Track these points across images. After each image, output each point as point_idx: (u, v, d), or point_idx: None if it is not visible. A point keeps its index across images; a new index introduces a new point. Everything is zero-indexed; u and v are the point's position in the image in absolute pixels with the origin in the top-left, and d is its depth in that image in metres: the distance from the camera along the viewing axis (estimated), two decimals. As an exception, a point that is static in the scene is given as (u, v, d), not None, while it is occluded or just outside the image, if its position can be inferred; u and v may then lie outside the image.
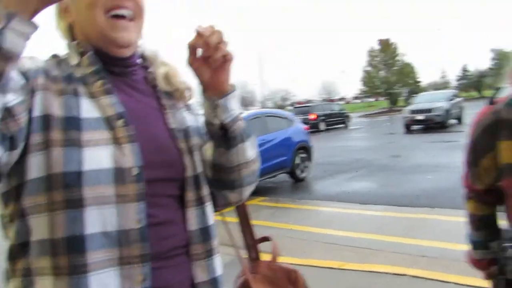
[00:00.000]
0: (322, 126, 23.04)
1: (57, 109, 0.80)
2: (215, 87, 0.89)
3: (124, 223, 0.80)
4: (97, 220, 0.78)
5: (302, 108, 24.72)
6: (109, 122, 0.84)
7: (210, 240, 0.94)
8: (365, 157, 11.12)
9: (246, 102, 66.36)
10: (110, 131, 0.83)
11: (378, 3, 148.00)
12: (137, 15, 0.91)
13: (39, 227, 0.78)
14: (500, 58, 59.09)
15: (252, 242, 1.31)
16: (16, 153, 0.75)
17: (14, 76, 0.69)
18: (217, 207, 1.03)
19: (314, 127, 21.47)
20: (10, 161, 0.74)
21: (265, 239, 1.33)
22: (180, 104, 1.01)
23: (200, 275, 0.92)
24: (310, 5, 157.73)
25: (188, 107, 1.03)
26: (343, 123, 25.36)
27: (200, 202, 0.94)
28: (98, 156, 0.80)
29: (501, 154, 1.27)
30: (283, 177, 8.65)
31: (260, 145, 7.67)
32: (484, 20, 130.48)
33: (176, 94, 1.00)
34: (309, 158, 8.88)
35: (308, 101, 46.90)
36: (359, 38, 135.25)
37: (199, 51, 0.85)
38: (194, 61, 0.86)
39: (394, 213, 5.71)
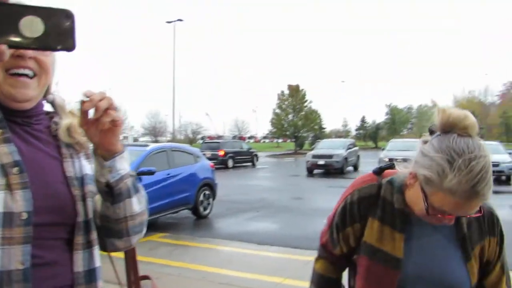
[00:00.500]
0: (230, 163, 23.30)
1: None
2: (104, 147, 0.93)
3: (8, 264, 0.85)
4: None
5: (212, 144, 24.88)
6: (4, 169, 0.89)
7: (96, 281, 1.01)
8: (268, 197, 11.44)
9: (156, 133, 65.00)
10: (3, 178, 0.88)
11: (291, 51, 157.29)
12: (39, 73, 0.97)
13: None
14: (393, 113, 65.80)
15: (135, 280, 1.36)
16: None
17: None
18: (106, 251, 1.09)
19: (222, 164, 21.69)
20: None
21: (145, 277, 1.39)
22: (80, 154, 1.07)
23: None
24: (235, 39, 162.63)
25: (88, 156, 1.09)
26: (251, 161, 25.93)
27: (88, 245, 1.00)
28: None
29: (366, 231, 1.24)
30: (185, 213, 8.53)
31: (164, 180, 7.56)
32: (383, 75, 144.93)
33: (76, 146, 1.06)
34: (213, 195, 8.90)
35: (219, 137, 47.39)
36: (272, 79, 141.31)
37: (90, 113, 0.90)
38: (84, 123, 0.89)
39: (289, 255, 5.91)
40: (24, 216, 0.88)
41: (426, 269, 1.17)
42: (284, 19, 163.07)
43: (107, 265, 1.14)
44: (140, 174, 6.94)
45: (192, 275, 5.02)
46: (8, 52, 0.71)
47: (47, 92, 1.07)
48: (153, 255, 5.83)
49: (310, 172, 18.70)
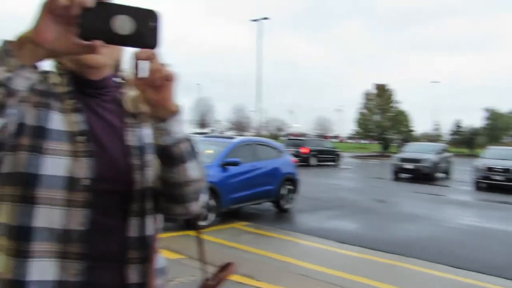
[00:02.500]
0: (313, 161, 23.27)
1: (30, 119, 0.94)
2: (159, 106, 0.91)
3: (69, 224, 0.92)
4: (45, 217, 0.92)
5: (295, 141, 25.01)
6: (71, 137, 0.96)
7: (147, 248, 1.03)
8: (349, 197, 11.34)
9: (241, 128, 66.79)
10: (70, 144, 0.95)
11: (378, 47, 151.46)
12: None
13: (3, 213, 0.94)
14: (493, 117, 60.19)
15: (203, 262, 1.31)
16: (1, 154, 0.91)
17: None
18: (166, 216, 1.11)
19: (304, 161, 21.70)
20: None
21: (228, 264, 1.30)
22: (143, 124, 1.08)
23: (133, 277, 1.01)
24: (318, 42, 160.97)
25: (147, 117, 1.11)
26: (334, 161, 25.61)
27: (142, 213, 1.03)
28: (55, 164, 0.93)
29: None
30: (267, 205, 8.80)
31: (249, 171, 7.88)
32: (479, 78, 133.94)
33: (141, 116, 1.08)
34: (295, 190, 9.06)
35: (302, 134, 47.31)
36: (359, 78, 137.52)
37: (144, 73, 0.89)
38: (138, 81, 0.88)
39: (368, 256, 5.88)
40: (85, 182, 0.94)
41: None
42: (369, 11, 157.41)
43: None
44: (226, 164, 7.33)
45: (272, 263, 5.24)
46: (99, 46, 0.75)
47: (118, 70, 1.12)
48: (237, 241, 6.16)
49: (396, 176, 18.02)
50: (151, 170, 1.04)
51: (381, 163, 28.38)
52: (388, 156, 32.20)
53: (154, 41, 0.78)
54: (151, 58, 0.85)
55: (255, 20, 34.82)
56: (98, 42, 0.75)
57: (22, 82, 0.77)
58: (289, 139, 28.04)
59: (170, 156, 0.95)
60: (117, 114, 1.07)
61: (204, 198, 1.08)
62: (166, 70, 0.87)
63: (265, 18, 34.48)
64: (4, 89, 0.75)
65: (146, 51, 0.84)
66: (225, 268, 1.26)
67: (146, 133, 1.07)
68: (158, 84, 0.88)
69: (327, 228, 7.49)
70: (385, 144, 46.28)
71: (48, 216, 0.92)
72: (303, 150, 22.71)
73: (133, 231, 1.01)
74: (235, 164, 7.38)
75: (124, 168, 1.01)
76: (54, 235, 0.92)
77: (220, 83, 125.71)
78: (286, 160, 9.13)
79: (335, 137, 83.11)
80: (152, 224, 1.06)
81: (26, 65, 0.76)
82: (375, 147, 51.97)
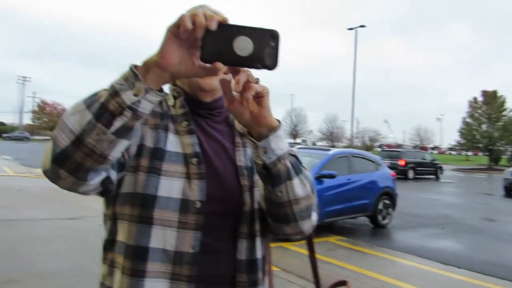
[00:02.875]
0: (410, 174, 22.11)
1: (149, 140, 0.98)
2: (256, 123, 0.88)
3: (181, 246, 0.93)
4: (160, 238, 0.94)
5: (391, 152, 24.01)
6: (186, 158, 0.98)
7: (256, 271, 1.02)
8: (453, 214, 10.51)
9: (333, 138, 65.75)
10: (184, 166, 0.97)
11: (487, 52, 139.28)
12: (223, 67, 1.05)
13: (121, 232, 0.97)
14: None
15: (315, 278, 1.32)
16: (122, 174, 0.95)
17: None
18: (276, 236, 1.07)
19: (402, 174, 20.66)
20: (117, 179, 0.94)
21: (341, 282, 1.33)
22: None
23: None
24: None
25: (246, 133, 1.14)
26: (434, 174, 24.08)
27: (251, 235, 1.01)
28: (171, 186, 0.95)
29: None
30: (362, 220, 8.51)
31: (344, 184, 7.69)
32: None
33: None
34: (392, 205, 8.65)
35: (398, 146, 45.17)
36: (461, 85, 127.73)
37: (234, 93, 0.87)
38: (230, 103, 0.87)
39: (478, 281, 5.37)
40: (198, 205, 0.95)
41: None
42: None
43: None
44: (322, 176, 7.24)
45: (369, 281, 5.03)
46: (221, 68, 0.76)
47: None
48: (331, 256, 6.03)
49: (508, 192, 16.29)
50: (258, 191, 1.02)
51: (489, 177, 25.99)
52: (498, 170, 29.40)
53: (274, 61, 0.77)
54: (239, 74, 0.82)
55: (351, 29, 34.15)
56: (219, 64, 0.75)
57: (147, 105, 0.78)
58: (384, 150, 26.99)
59: (274, 174, 0.90)
60: (228, 134, 1.08)
61: (315, 215, 1.02)
62: (258, 86, 0.84)
63: (362, 26, 33.60)
64: (132, 113, 0.77)
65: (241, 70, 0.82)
66: (338, 285, 1.24)
67: None
68: (249, 102, 0.85)
69: (429, 247, 7.01)
70: (494, 157, 42.32)
71: (162, 237, 0.94)
72: (399, 162, 21.66)
73: (242, 253, 1.00)
74: (331, 176, 7.26)
75: (234, 189, 1.01)
76: (167, 257, 0.94)
77: (313, 92, 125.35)
78: (384, 173, 8.77)
79: (435, 148, 78.08)
80: (262, 246, 1.04)
81: (152, 89, 0.77)
82: (481, 159, 47.88)
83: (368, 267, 5.62)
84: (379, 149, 31.95)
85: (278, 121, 0.91)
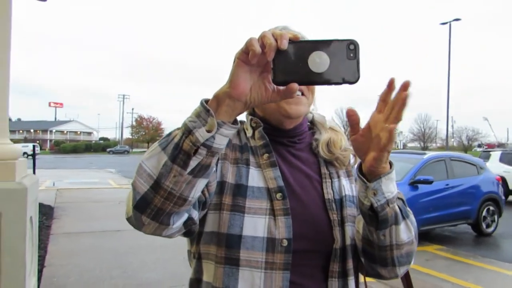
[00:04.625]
0: (517, 176, 20.07)
1: (230, 177, 0.95)
2: (372, 165, 0.83)
3: (269, 287, 0.89)
4: (248, 280, 0.89)
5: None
6: (269, 194, 0.94)
7: None
8: None
9: (426, 138, 62.17)
10: (269, 202, 0.93)
11: None
12: (306, 93, 1.00)
13: (207, 272, 0.95)
14: None
15: None
16: (204, 212, 0.92)
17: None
18: (368, 276, 1.03)
19: (506, 176, 18.85)
20: (199, 218, 0.90)
21: None
22: (340, 171, 1.04)
23: None
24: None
25: (349, 174, 1.05)
26: (546, 175, 21.59)
27: (344, 274, 0.95)
28: (255, 224, 0.91)
29: None
30: (464, 227, 7.91)
31: (442, 190, 7.23)
32: None
33: (335, 162, 1.03)
34: (498, 212, 7.93)
35: (500, 144, 41.31)
36: None
37: (361, 125, 0.84)
38: (353, 134, 0.84)
39: None
40: (285, 243, 0.90)
41: None
42: None
43: None
44: (417, 182, 6.87)
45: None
46: (297, 89, 0.70)
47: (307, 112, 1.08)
48: (431, 267, 5.67)
49: None
50: (350, 226, 0.97)
51: None
52: None
53: (355, 74, 0.70)
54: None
55: (444, 23, 32.06)
56: (294, 85, 0.69)
57: (222, 140, 0.74)
58: (484, 151, 24.84)
59: (381, 218, 0.86)
60: (313, 164, 1.03)
61: (413, 261, 0.96)
62: (391, 127, 0.78)
63: (456, 20, 31.28)
64: (207, 150, 0.72)
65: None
66: None
67: (343, 184, 1.02)
68: (382, 142, 0.80)
69: (545, 259, 6.29)
70: None
71: (250, 280, 0.90)
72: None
73: None
74: (427, 182, 6.86)
75: (323, 225, 0.95)
76: None
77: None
78: (488, 178, 8.07)
79: (546, 146, 70.10)
80: (355, 285, 0.98)
81: (225, 122, 0.73)
82: None
83: (474, 280, 5.19)
84: (478, 149, 29.39)
85: (391, 163, 0.86)
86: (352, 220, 0.97)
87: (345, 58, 0.70)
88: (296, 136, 1.04)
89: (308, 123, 1.11)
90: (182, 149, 0.73)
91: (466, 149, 48.84)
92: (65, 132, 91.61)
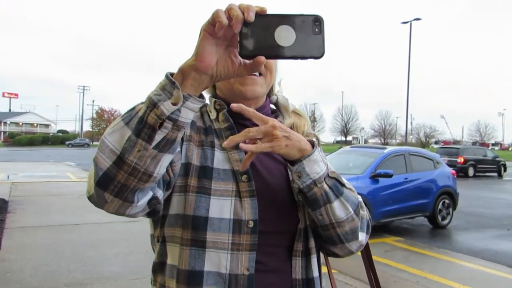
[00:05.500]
0: (470, 171, 21.04)
1: (196, 158, 0.94)
2: (288, 151, 0.86)
3: (235, 268, 0.89)
4: (214, 261, 0.89)
5: (449, 149, 22.96)
6: (235, 176, 0.93)
7: None
8: (520, 215, 9.88)
9: (386, 135, 63.98)
10: (234, 184, 0.92)
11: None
12: (264, 73, 1.00)
13: (172, 255, 0.93)
14: None
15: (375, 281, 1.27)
16: (168, 193, 0.91)
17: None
18: (328, 255, 1.05)
19: (461, 172, 19.74)
20: (164, 198, 0.90)
21: None
22: None
23: None
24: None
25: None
26: (497, 171, 22.76)
27: (307, 253, 0.97)
28: (222, 206, 0.90)
29: None
30: (421, 220, 8.21)
31: (401, 184, 7.47)
32: None
33: None
34: (453, 205, 8.27)
35: (455, 142, 43.17)
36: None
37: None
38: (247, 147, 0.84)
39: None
40: (251, 224, 0.90)
41: None
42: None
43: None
44: (378, 176, 7.06)
45: (430, 285, 4.84)
46: (264, 62, 0.70)
47: (270, 92, 1.08)
48: (390, 258, 5.86)
49: None
50: None
51: (559, 174, 24.15)
52: None
53: (320, 49, 0.70)
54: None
55: (405, 22, 32.90)
56: (261, 58, 0.69)
57: (188, 113, 0.73)
58: (441, 147, 25.88)
59: (310, 199, 0.89)
60: None
61: (363, 235, 0.97)
62: (268, 125, 0.83)
63: (417, 19, 32.11)
64: (172, 123, 0.72)
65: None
66: None
67: None
68: (271, 138, 0.83)
69: (494, 250, 6.62)
70: None
71: (216, 260, 0.89)
72: (458, 159, 20.69)
73: (298, 272, 0.96)
74: (387, 175, 7.06)
75: (288, 206, 0.96)
76: (222, 280, 0.89)
77: (364, 89, 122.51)
78: (444, 172, 8.40)
79: (496, 144, 73.81)
80: (319, 263, 1.01)
81: (191, 95, 0.72)
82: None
83: (429, 270, 5.40)
84: (435, 146, 30.62)
85: (313, 144, 0.89)
86: None
87: (310, 33, 0.70)
88: None
89: (273, 106, 1.11)
90: (147, 123, 0.71)
91: (423, 145, 50.66)
92: (21, 124, 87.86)
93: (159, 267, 0.97)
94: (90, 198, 0.80)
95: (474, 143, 44.98)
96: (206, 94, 1.09)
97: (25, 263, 4.77)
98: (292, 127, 1.04)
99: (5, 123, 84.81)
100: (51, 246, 5.57)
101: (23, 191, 10.51)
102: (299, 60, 0.72)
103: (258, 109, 1.01)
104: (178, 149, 0.85)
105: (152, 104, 0.71)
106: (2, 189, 10.36)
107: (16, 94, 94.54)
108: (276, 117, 1.07)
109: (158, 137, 0.72)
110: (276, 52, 0.70)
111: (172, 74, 0.73)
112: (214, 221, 0.90)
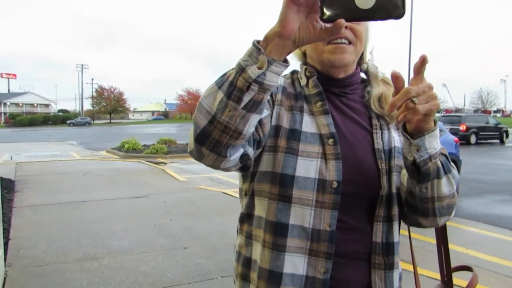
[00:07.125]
0: (473, 139, 21.06)
1: (285, 122, 1.01)
2: (418, 125, 0.87)
3: (318, 224, 0.97)
4: (299, 216, 0.97)
5: (452, 117, 22.89)
6: (321, 139, 1.00)
7: (393, 255, 1.02)
8: (523, 180, 9.95)
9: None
10: (321, 147, 0.99)
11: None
12: (354, 41, 1.02)
13: (260, 207, 1.03)
14: None
15: (447, 268, 1.31)
16: (259, 151, 0.98)
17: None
18: (410, 225, 1.08)
19: (463, 139, 19.76)
20: (255, 157, 0.97)
21: (465, 268, 1.32)
22: (390, 124, 1.07)
23: (378, 283, 1.01)
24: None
25: (398, 127, 1.08)
26: (499, 138, 22.78)
27: (388, 219, 1.01)
28: (308, 166, 0.97)
29: None
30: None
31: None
32: None
33: (386, 117, 1.07)
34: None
35: (457, 110, 43.00)
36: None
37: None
38: (395, 102, 0.85)
39: (555, 247, 5.10)
40: (335, 184, 0.96)
41: None
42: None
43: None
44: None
45: (435, 250, 4.90)
46: (344, 25, 0.72)
47: (361, 61, 1.12)
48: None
49: None
50: (397, 176, 1.02)
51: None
52: None
53: (401, 9, 0.70)
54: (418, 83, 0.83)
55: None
56: (341, 21, 0.71)
57: (273, 77, 0.78)
58: (443, 115, 25.80)
59: (423, 172, 0.90)
60: (364, 115, 1.07)
61: (453, 211, 1.01)
62: (430, 104, 0.83)
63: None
64: (258, 86, 0.77)
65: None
66: (462, 269, 1.22)
67: (393, 136, 1.06)
68: (419, 112, 0.83)
69: (497, 214, 6.70)
70: None
71: (300, 215, 0.97)
72: (460, 127, 20.66)
73: (378, 236, 1.01)
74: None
75: (372, 172, 1.00)
76: (305, 233, 0.97)
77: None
78: (447, 139, 8.37)
79: (498, 111, 73.52)
80: (398, 230, 1.04)
81: (275, 60, 0.77)
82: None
83: (433, 235, 5.45)
84: (438, 114, 30.51)
85: (435, 121, 0.89)
86: (399, 170, 1.02)
87: None
88: (348, 86, 1.08)
89: (363, 75, 1.14)
90: (236, 86, 0.78)
91: (425, 115, 50.21)
92: (21, 104, 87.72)
93: (246, 217, 1.08)
94: (191, 152, 0.89)
95: (476, 111, 44.79)
96: (298, 62, 1.15)
97: (37, 240, 4.86)
98: (381, 96, 1.08)
99: (5, 104, 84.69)
100: (61, 223, 5.66)
101: (28, 170, 10.60)
102: (379, 22, 0.73)
103: (347, 77, 1.07)
104: (266, 111, 0.94)
105: (240, 69, 0.78)
106: (8, 169, 10.45)
107: (14, 75, 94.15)
108: (365, 86, 1.11)
109: (246, 98, 0.78)
110: (356, 15, 0.71)
111: (258, 42, 0.78)
112: (300, 179, 0.97)
